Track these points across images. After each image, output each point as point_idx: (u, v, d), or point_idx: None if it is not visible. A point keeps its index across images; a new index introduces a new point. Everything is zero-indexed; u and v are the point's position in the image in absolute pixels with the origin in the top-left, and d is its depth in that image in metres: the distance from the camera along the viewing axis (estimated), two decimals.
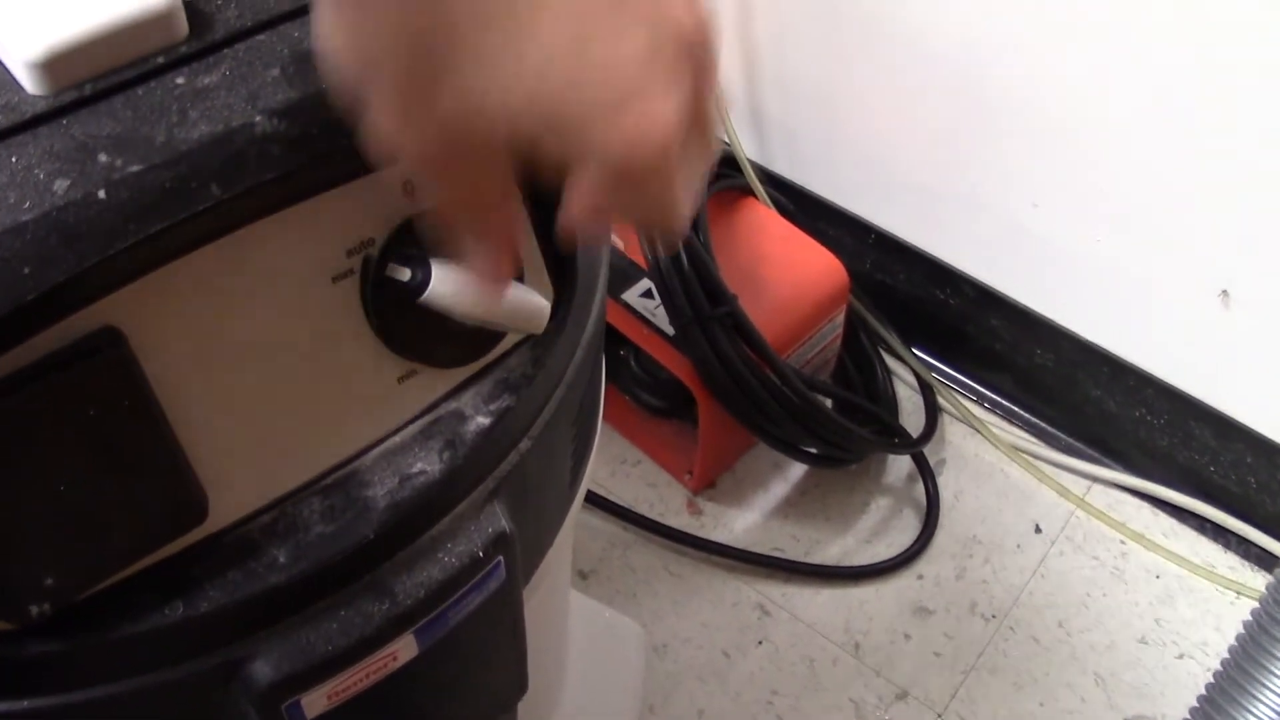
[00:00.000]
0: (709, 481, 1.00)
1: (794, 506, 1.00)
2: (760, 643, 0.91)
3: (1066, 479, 1.02)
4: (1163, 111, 0.81)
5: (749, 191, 1.00)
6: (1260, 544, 0.96)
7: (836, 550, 0.97)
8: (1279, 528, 0.95)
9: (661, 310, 0.89)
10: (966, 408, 1.04)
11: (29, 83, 0.32)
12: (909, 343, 1.06)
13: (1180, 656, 0.92)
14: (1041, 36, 0.84)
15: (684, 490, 0.99)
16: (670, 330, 0.89)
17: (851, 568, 0.95)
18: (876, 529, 0.99)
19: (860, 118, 1.00)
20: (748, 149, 1.04)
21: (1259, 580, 0.97)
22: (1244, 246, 0.84)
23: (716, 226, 0.94)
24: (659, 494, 0.99)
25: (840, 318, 0.98)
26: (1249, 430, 0.92)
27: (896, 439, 1.00)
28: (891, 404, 1.03)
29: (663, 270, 0.87)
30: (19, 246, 0.30)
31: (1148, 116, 0.82)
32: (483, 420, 0.39)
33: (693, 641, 0.91)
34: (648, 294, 0.92)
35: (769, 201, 1.00)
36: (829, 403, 0.95)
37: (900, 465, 1.02)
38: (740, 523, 0.98)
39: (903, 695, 0.89)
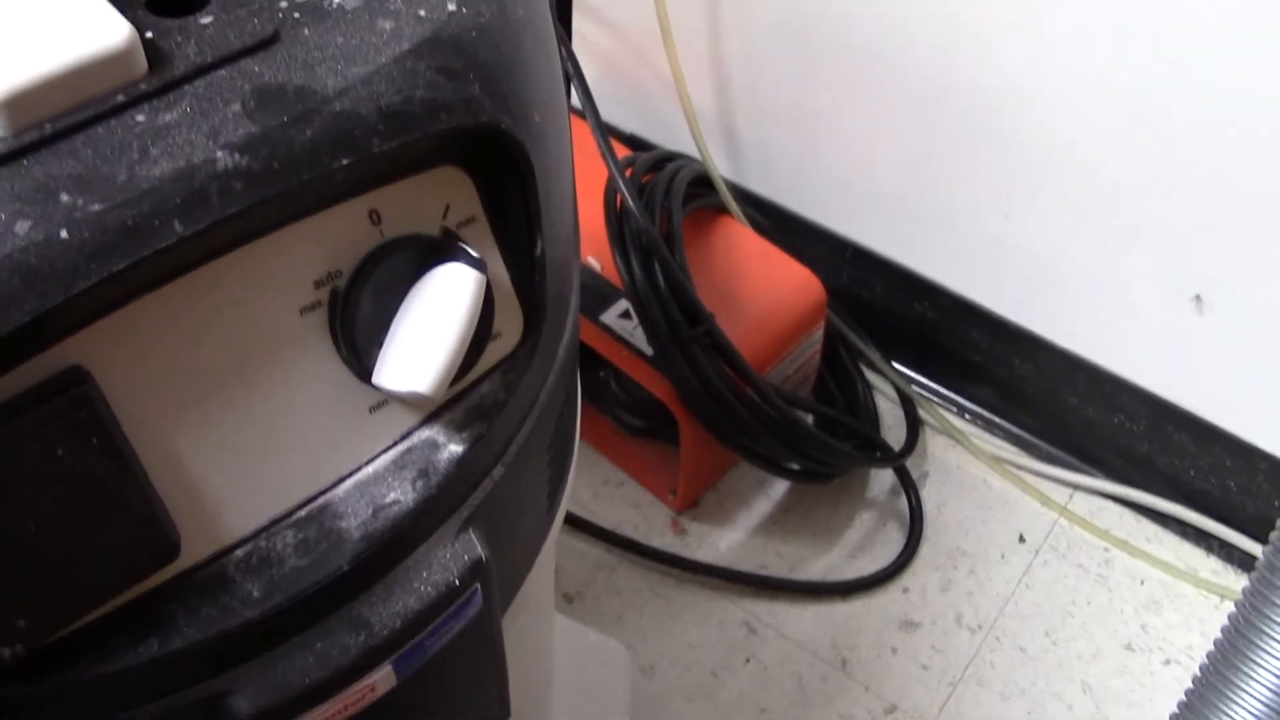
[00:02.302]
0: (692, 500, 1.00)
1: (778, 523, 1.00)
2: (748, 661, 0.91)
3: (1048, 488, 1.02)
4: (1133, 118, 0.82)
5: (724, 210, 1.00)
6: (1242, 547, 0.97)
7: (821, 566, 0.97)
8: (1260, 530, 0.95)
9: (640, 331, 0.89)
10: (947, 420, 1.05)
11: None
12: (888, 356, 1.06)
13: (1166, 662, 0.92)
14: (1012, 48, 0.85)
15: (668, 510, 0.99)
16: (649, 350, 0.89)
17: (837, 583, 0.96)
18: (861, 543, 0.99)
19: (833, 133, 1.01)
20: (722, 168, 1.04)
21: (1242, 583, 0.97)
22: (1216, 252, 0.84)
23: (692, 246, 0.95)
24: (643, 514, 0.99)
25: (819, 333, 0.99)
26: (1227, 434, 0.93)
27: (878, 453, 1.00)
28: (872, 418, 1.03)
29: (640, 291, 0.87)
30: None
31: (1117, 124, 0.83)
32: (455, 448, 0.39)
33: (680, 662, 0.91)
34: (625, 315, 0.92)
35: (744, 219, 1.01)
36: (810, 419, 0.96)
37: (883, 479, 1.03)
38: (725, 541, 0.98)
39: (891, 709, 0.89)
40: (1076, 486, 1.02)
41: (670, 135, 1.10)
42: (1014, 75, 0.86)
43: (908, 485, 1.01)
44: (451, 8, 0.37)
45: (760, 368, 0.91)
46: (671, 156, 0.99)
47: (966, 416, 1.07)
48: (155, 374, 0.34)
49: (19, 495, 0.32)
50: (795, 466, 0.96)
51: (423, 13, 0.36)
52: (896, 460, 1.01)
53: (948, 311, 1.03)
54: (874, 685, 0.90)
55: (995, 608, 0.95)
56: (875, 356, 1.05)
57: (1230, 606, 0.95)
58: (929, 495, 1.01)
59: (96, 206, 0.31)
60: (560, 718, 0.71)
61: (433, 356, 0.36)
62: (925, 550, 0.99)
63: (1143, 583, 0.97)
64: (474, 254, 0.38)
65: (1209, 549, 0.99)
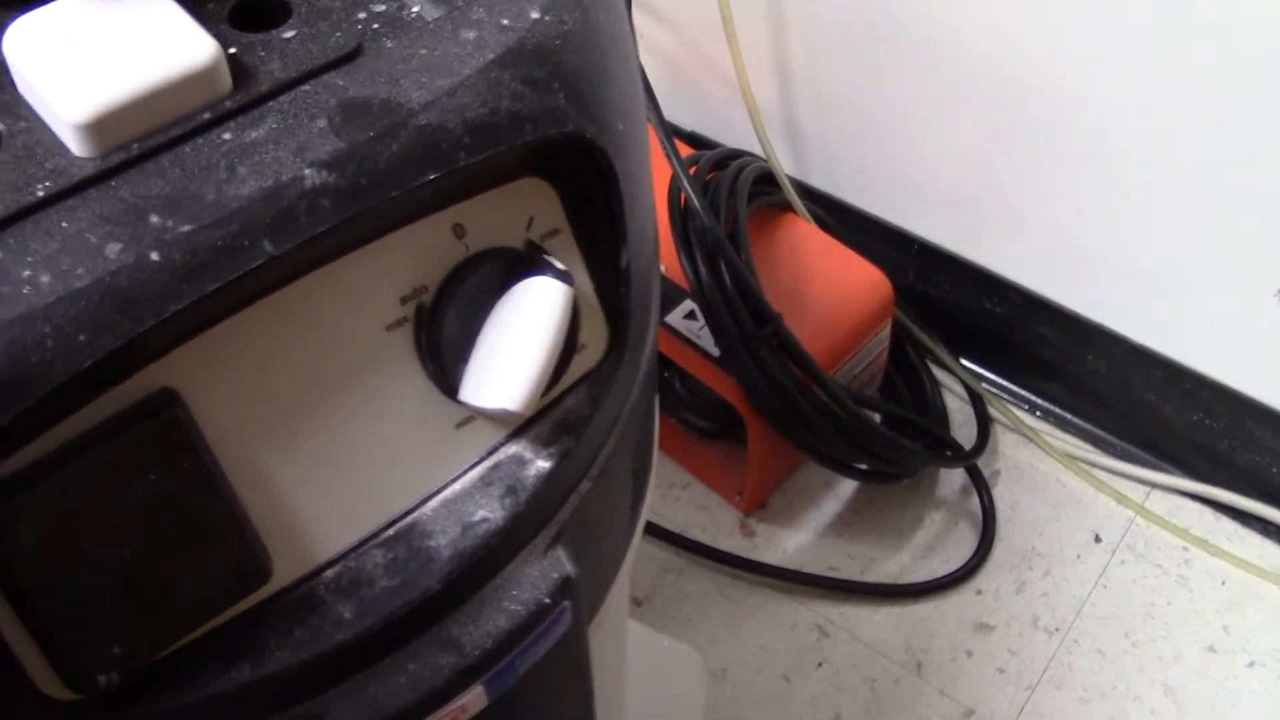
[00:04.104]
0: (760, 502, 0.98)
1: (847, 524, 0.98)
2: (820, 665, 0.90)
3: (1124, 486, 1.00)
4: (1209, 112, 0.80)
5: (788, 207, 0.99)
6: None
7: (893, 567, 0.96)
8: None
9: (706, 331, 0.88)
10: (1018, 417, 1.03)
11: (76, 145, 0.31)
12: (957, 353, 1.04)
13: (1251, 665, 0.90)
14: (1082, 40, 0.83)
15: (735, 512, 0.98)
16: (715, 351, 0.88)
17: (909, 585, 0.94)
18: (932, 544, 0.97)
19: (897, 128, 0.99)
20: (785, 165, 1.03)
21: None
22: None
23: (757, 244, 0.94)
24: (710, 516, 0.98)
25: (886, 331, 0.97)
26: None
27: (949, 452, 0.99)
28: (942, 416, 1.02)
29: (706, 291, 0.86)
30: (74, 314, 0.29)
31: (1193, 118, 0.81)
32: (543, 464, 0.38)
33: (751, 665, 0.90)
34: (691, 315, 0.91)
35: (809, 216, 0.99)
36: (878, 418, 0.94)
37: (953, 478, 1.01)
38: (793, 542, 0.97)
39: (968, 714, 0.87)
40: (1153, 484, 1.00)
41: (731, 132, 1.09)
42: (1087, 69, 0.84)
43: (979, 484, 0.99)
44: (535, 15, 0.36)
45: (828, 367, 0.89)
46: (735, 154, 0.98)
47: (1038, 414, 1.05)
48: (242, 394, 0.34)
49: (111, 521, 0.31)
50: (864, 466, 0.95)
51: (506, 21, 0.36)
52: (967, 459, 0.99)
53: (1017, 307, 1.01)
54: (949, 689, 0.89)
55: (1072, 609, 0.93)
56: (943, 354, 1.04)
57: None
58: (1001, 494, 1.00)
59: (186, 227, 0.30)
60: None
61: (522, 372, 0.36)
62: (998, 551, 0.97)
63: (1224, 583, 0.95)
64: (560, 266, 0.37)
65: None
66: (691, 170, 0.93)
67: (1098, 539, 0.97)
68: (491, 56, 0.35)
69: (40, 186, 0.31)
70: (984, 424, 1.02)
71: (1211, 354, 0.92)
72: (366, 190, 0.33)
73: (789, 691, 0.88)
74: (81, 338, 0.29)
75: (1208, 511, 0.99)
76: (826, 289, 0.94)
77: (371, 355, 0.36)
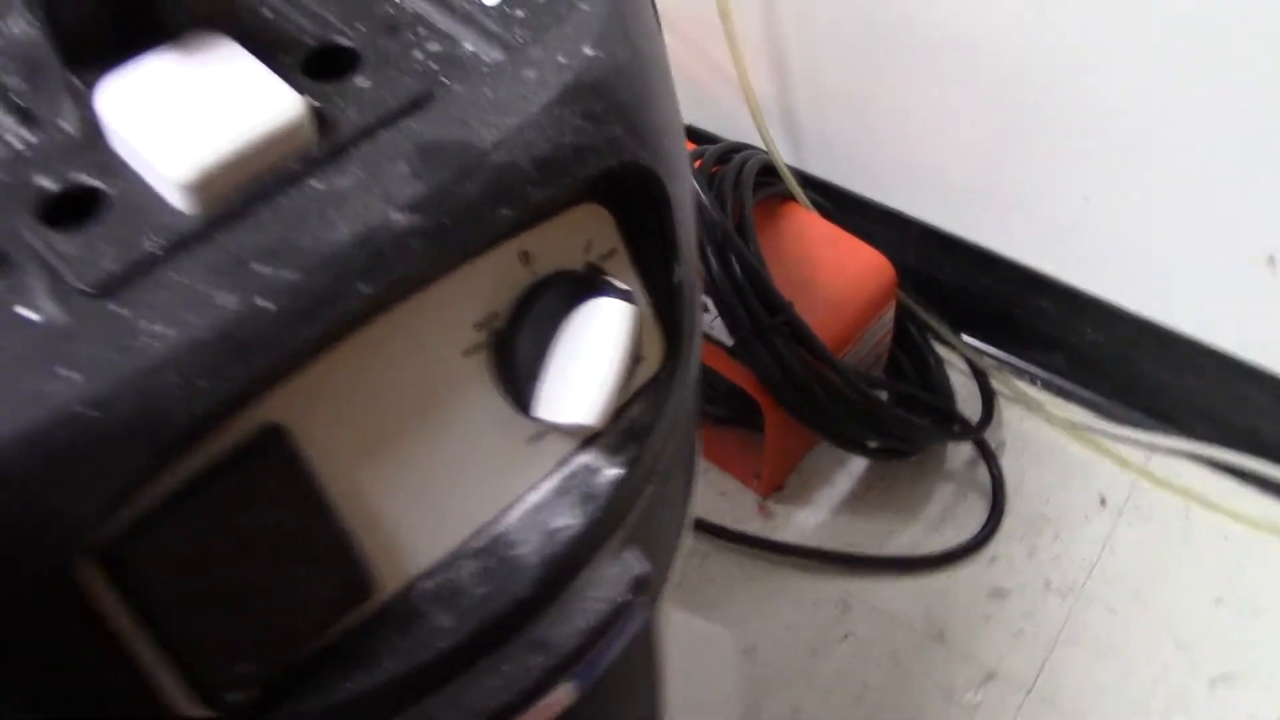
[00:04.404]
0: (777, 484, 1.01)
1: (861, 501, 1.01)
2: (845, 638, 0.93)
3: (1126, 450, 1.03)
4: (1196, 87, 0.83)
5: (790, 197, 1.02)
6: None
7: (908, 540, 0.99)
8: None
9: (719, 322, 0.91)
10: (1021, 389, 1.06)
11: (180, 202, 0.33)
12: (959, 331, 1.07)
13: (1255, 614, 0.93)
14: (1081, 24, 0.86)
15: (753, 495, 1.01)
16: (728, 341, 0.91)
17: (926, 556, 0.97)
18: (944, 516, 1.00)
19: (895, 115, 1.02)
20: (785, 155, 1.05)
21: None
22: None
23: (763, 235, 0.96)
24: (729, 501, 1.01)
25: (890, 313, 1.00)
26: None
27: (956, 426, 1.01)
28: (947, 392, 1.04)
29: (718, 284, 0.88)
30: (195, 362, 0.31)
31: (1186, 90, 0.84)
32: (614, 471, 0.41)
33: (779, 643, 0.92)
34: (703, 308, 0.93)
35: (810, 205, 1.02)
36: (886, 396, 0.97)
37: (961, 451, 1.04)
38: (811, 521, 1.00)
39: (990, 676, 0.91)
40: (1154, 448, 1.03)
41: (728, 125, 1.11)
42: (1083, 50, 0.87)
43: (987, 456, 1.02)
44: (589, 52, 0.38)
45: (836, 350, 0.92)
46: (738, 148, 1.00)
47: (1040, 385, 1.08)
48: (336, 423, 0.36)
49: (234, 549, 0.34)
50: (875, 445, 0.98)
51: (562, 59, 0.38)
52: (975, 433, 1.02)
53: (1016, 284, 1.04)
54: (971, 653, 0.92)
55: (1082, 571, 0.97)
56: (946, 332, 1.06)
57: None
58: (1008, 465, 1.03)
59: (289, 275, 0.33)
60: (677, 708, 0.73)
61: (595, 388, 0.38)
62: (1008, 519, 1.00)
63: (1226, 538, 0.98)
64: (622, 286, 0.39)
65: None
66: (697, 164, 0.95)
67: (1103, 502, 1.00)
68: (553, 95, 0.37)
69: (152, 243, 0.33)
70: (988, 398, 1.05)
71: (1205, 320, 0.96)
72: (448, 229, 0.35)
73: (816, 665, 0.91)
74: (203, 383, 0.32)
75: (1207, 471, 1.02)
76: (831, 275, 0.97)
77: (451, 380, 0.38)
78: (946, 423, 1.01)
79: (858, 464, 1.03)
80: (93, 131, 0.35)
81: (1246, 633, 0.93)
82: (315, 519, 0.35)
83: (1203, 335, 0.96)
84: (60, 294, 0.32)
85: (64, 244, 0.33)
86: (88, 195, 0.34)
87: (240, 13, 0.38)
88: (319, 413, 0.36)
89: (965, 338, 1.08)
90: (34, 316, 0.31)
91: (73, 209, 0.34)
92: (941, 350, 1.07)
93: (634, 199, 0.41)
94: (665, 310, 0.43)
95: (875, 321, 0.98)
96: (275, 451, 0.34)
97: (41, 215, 0.33)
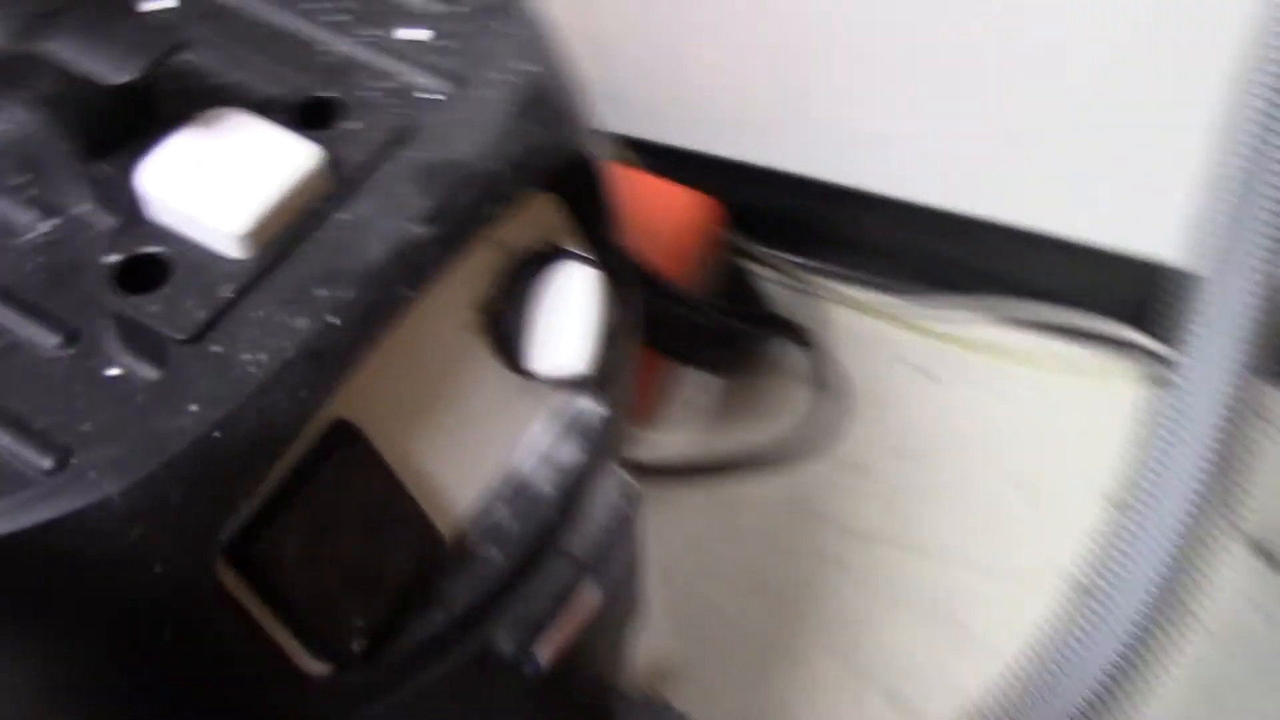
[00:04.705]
0: (650, 415, 1.11)
1: (723, 413, 1.12)
2: (735, 534, 1.04)
3: (932, 323, 1.17)
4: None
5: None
6: (1109, 333, 1.14)
7: (766, 439, 1.10)
8: (1122, 315, 1.12)
9: None
10: (843, 292, 1.18)
11: (235, 251, 0.40)
12: (782, 250, 1.19)
13: (1067, 443, 1.09)
14: None
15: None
16: None
17: (783, 450, 1.09)
18: (796, 412, 1.12)
19: (673, 61, 1.11)
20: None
21: (1122, 365, 1.14)
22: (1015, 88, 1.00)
23: None
24: None
25: (716, 244, 1.10)
26: (1054, 237, 1.09)
27: (792, 333, 1.13)
28: (778, 307, 1.16)
29: None
30: (291, 379, 0.38)
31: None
32: (602, 410, 0.49)
33: (682, 555, 1.03)
34: None
35: (623, 160, 1.11)
36: (731, 320, 1.08)
37: (800, 357, 1.16)
38: (683, 440, 1.10)
39: (861, 536, 1.03)
40: (956, 316, 1.18)
41: None
42: None
43: (823, 355, 1.14)
44: (528, 68, 0.46)
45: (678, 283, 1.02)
46: None
47: (859, 285, 1.20)
48: (383, 407, 0.43)
49: (334, 527, 0.41)
50: (725, 361, 1.09)
51: (509, 78, 0.45)
52: (803, 336, 1.14)
53: (814, 197, 1.15)
54: (845, 524, 1.04)
55: (921, 436, 1.10)
56: (767, 253, 1.18)
57: (1117, 387, 1.13)
58: (845, 358, 1.15)
59: (346, 293, 0.40)
60: None
61: (577, 339, 0.47)
62: (854, 403, 1.13)
63: (1032, 385, 1.13)
64: (583, 254, 0.48)
65: (1086, 343, 1.15)
66: None
67: (928, 374, 1.14)
68: (512, 109, 0.44)
69: (225, 289, 0.39)
70: (807, 303, 1.17)
71: (958, 192, 1.10)
72: (457, 232, 0.42)
73: (718, 564, 1.02)
74: (303, 395, 0.38)
75: (1009, 329, 1.17)
76: (659, 219, 1.06)
77: (461, 355, 0.46)
78: (784, 332, 1.13)
79: (714, 383, 1.14)
80: (131, 209, 0.41)
81: (1071, 462, 1.08)
82: (390, 491, 0.42)
83: (985, 213, 1.11)
84: (161, 346, 0.38)
85: (149, 305, 0.38)
86: (151, 262, 0.40)
87: (221, 91, 0.44)
88: (368, 401, 0.43)
89: (788, 257, 1.20)
90: (150, 371, 0.37)
91: (143, 276, 0.39)
92: (767, 273, 1.19)
93: (576, 184, 0.49)
94: (613, 269, 0.51)
95: (704, 252, 1.08)
96: (350, 441, 0.41)
97: (120, 286, 0.39)
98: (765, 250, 1.19)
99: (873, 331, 1.17)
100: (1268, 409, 0.65)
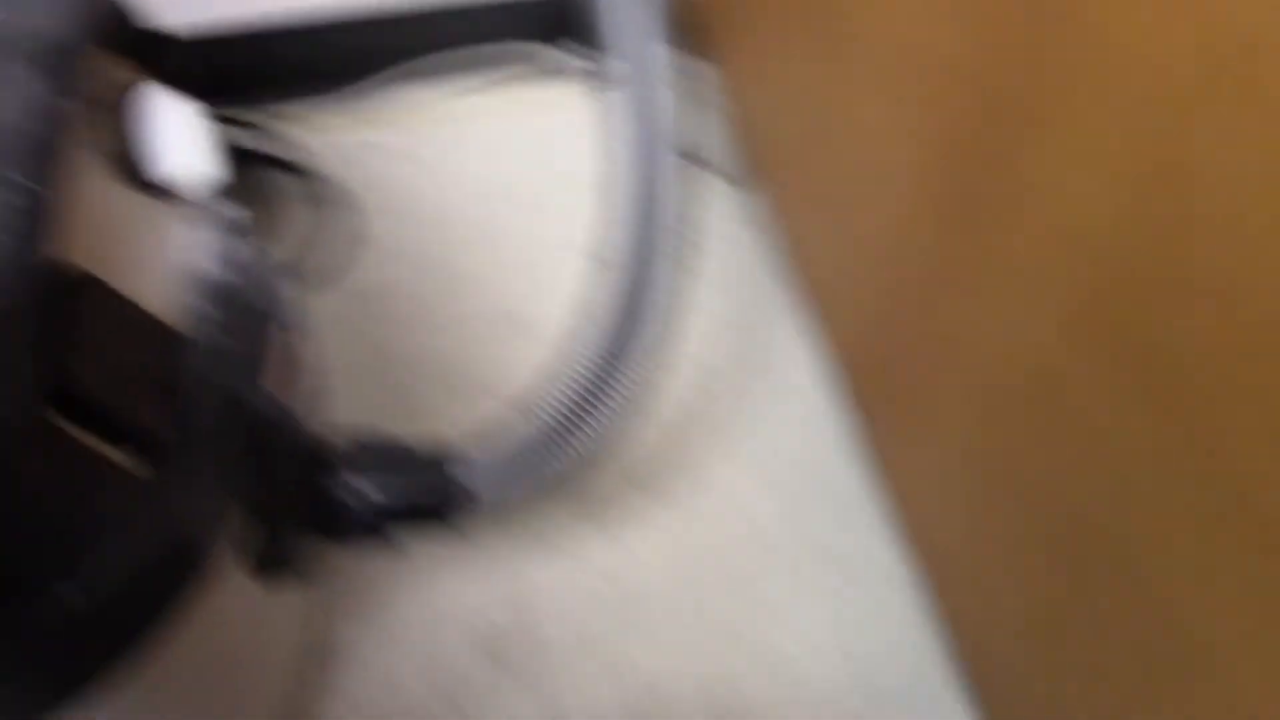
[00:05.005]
0: None
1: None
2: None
3: (399, 113, 1.30)
4: None
5: None
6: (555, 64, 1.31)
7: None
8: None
9: None
10: (300, 116, 1.27)
11: None
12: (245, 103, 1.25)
13: (557, 169, 1.26)
14: None
15: None
16: None
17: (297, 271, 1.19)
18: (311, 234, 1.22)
19: None
20: None
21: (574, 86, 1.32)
22: None
23: None
24: None
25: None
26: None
27: (289, 168, 1.22)
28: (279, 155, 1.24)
29: None
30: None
31: None
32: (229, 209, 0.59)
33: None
34: None
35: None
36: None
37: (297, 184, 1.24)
38: None
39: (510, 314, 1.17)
40: (416, 100, 1.31)
41: None
42: None
43: (311, 177, 1.24)
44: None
45: None
46: None
47: (306, 108, 1.30)
48: (81, 253, 0.51)
49: (116, 352, 0.49)
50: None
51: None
52: (301, 170, 1.23)
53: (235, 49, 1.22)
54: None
55: (420, 204, 1.23)
56: (229, 112, 1.23)
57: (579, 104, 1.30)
58: (355, 174, 1.24)
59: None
60: None
61: (190, 144, 0.56)
62: (370, 210, 1.23)
63: (504, 134, 1.30)
64: (162, 87, 0.57)
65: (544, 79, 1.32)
66: None
67: (407, 158, 1.27)
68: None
69: None
70: (284, 141, 1.26)
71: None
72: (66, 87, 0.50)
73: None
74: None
75: (466, 96, 1.31)
76: None
77: (111, 194, 0.54)
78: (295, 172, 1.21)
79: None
80: None
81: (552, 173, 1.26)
82: (133, 313, 0.51)
83: (389, 7, 1.23)
84: None
85: None
86: None
87: None
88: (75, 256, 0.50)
89: (251, 107, 1.26)
90: None
91: None
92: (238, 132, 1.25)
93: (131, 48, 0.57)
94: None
95: None
96: (93, 282, 0.49)
97: None
98: (230, 110, 1.24)
99: (350, 143, 1.28)
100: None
